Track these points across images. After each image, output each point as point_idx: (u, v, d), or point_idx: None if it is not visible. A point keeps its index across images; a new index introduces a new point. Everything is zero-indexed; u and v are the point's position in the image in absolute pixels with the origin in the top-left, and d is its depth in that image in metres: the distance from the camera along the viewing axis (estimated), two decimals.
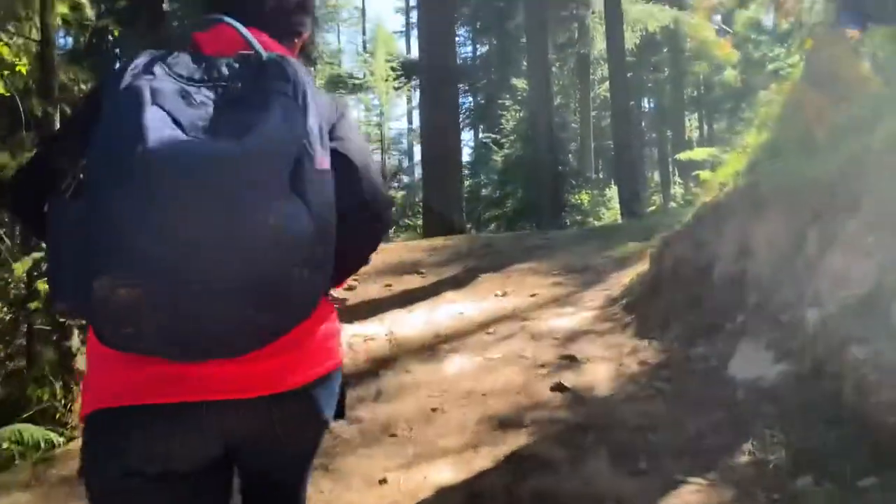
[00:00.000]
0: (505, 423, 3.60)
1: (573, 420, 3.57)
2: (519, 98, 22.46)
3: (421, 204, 14.40)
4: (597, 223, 22.09)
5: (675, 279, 5.14)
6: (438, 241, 9.98)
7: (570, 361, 4.30)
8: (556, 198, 18.30)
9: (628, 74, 24.75)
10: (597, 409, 3.67)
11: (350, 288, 7.33)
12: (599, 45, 26.51)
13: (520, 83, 22.17)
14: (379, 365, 4.82)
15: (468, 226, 18.99)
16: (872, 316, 3.13)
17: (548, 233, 9.97)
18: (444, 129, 13.05)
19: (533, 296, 6.34)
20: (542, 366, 4.28)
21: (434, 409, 3.90)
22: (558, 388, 3.93)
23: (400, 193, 18.55)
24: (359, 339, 5.53)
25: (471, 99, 41.93)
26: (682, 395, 3.67)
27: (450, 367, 4.47)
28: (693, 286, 4.89)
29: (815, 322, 3.47)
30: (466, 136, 45.61)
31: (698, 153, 25.33)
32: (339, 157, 1.28)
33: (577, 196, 22.73)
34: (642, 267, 6.31)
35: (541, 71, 17.77)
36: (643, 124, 42.63)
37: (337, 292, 6.47)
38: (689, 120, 40.69)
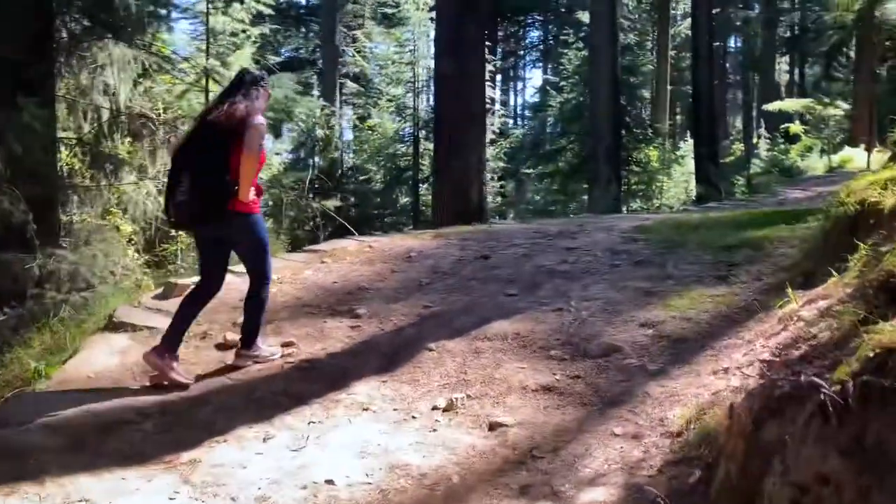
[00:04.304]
0: None
1: None
2: (582, 35, 18.65)
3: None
4: (664, 188, 18.38)
5: None
6: (422, 240, 6.79)
7: None
8: (614, 155, 14.73)
9: (714, 11, 20.60)
10: None
11: (224, 346, 4.32)
12: None
13: (584, 17, 18.34)
14: None
15: (487, 201, 15.81)
16: None
17: (578, 235, 6.63)
18: (462, 78, 9.44)
19: (493, 429, 3.18)
20: None
21: None
22: None
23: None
24: None
25: (539, 33, 37.53)
26: None
27: None
28: None
29: None
30: (532, 75, 41.32)
31: (790, 104, 20.71)
32: None
33: (644, 150, 19.03)
34: (705, 381, 3.09)
35: (605, 3, 14.00)
36: (727, 66, 38.03)
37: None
38: (779, 63, 35.86)
